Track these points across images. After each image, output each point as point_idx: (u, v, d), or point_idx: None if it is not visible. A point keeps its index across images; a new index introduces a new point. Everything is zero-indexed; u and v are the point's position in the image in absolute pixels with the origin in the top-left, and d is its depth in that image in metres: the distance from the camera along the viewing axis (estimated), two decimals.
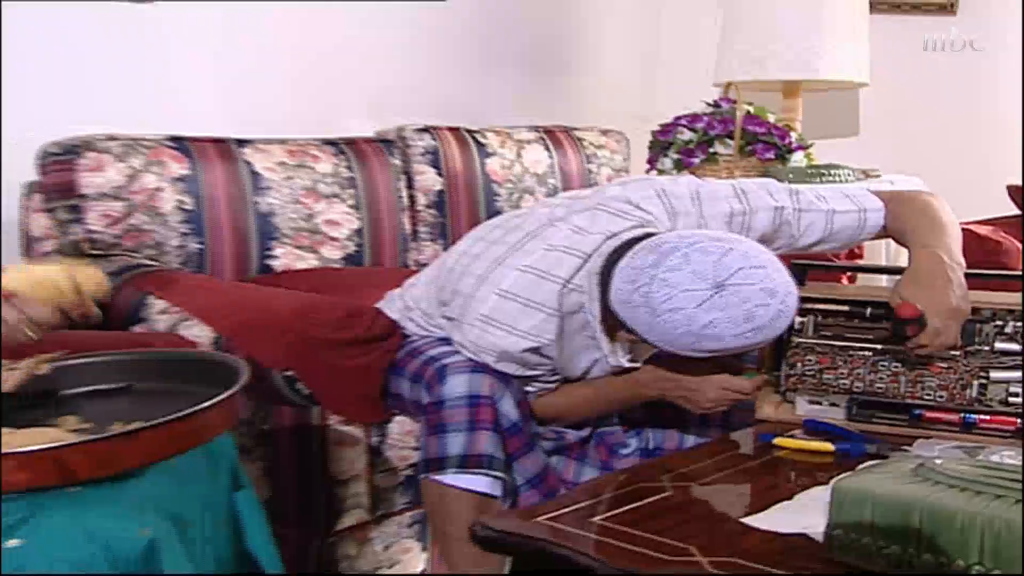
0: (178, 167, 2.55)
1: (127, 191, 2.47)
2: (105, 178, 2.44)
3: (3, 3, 2.41)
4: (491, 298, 1.83)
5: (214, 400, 1.27)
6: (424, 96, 3.50)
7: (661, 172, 3.66)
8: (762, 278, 1.58)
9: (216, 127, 2.82)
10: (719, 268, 1.57)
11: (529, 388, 1.92)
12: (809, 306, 1.79)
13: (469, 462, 1.79)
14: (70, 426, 1.35)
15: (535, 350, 1.84)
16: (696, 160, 3.57)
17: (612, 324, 1.79)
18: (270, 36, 3.19)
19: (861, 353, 1.77)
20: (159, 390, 1.51)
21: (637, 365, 1.87)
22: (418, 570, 2.27)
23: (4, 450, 1.16)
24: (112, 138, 2.49)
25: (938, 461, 1.24)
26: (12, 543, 1.10)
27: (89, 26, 2.78)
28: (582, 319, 1.85)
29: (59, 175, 2.45)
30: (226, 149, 2.67)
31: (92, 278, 1.41)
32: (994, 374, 1.73)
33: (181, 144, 2.60)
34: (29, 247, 2.55)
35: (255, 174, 2.68)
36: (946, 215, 1.91)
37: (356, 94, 3.36)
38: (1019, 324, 1.73)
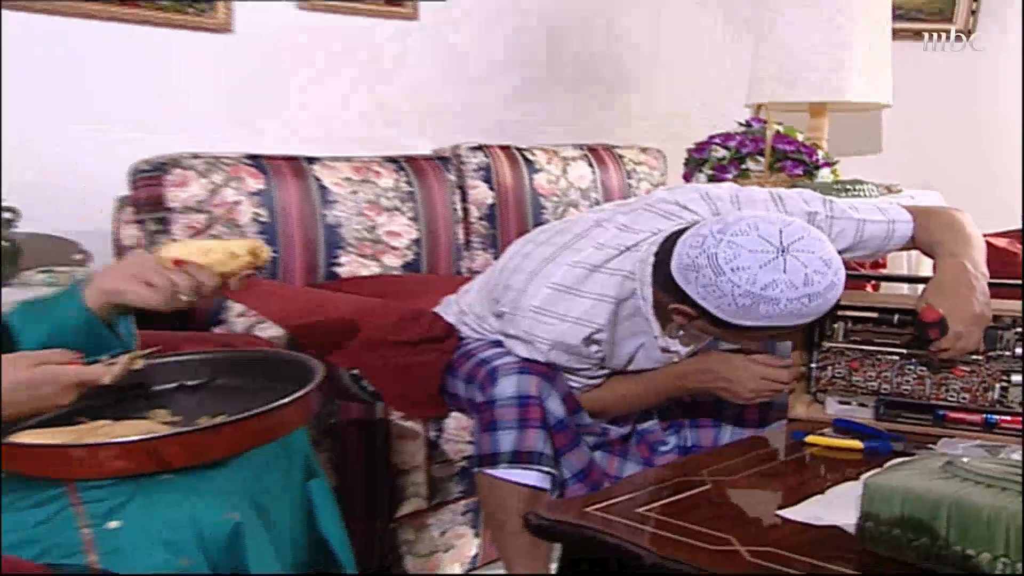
0: (255, 183, 2.58)
1: (209, 204, 2.49)
2: (189, 192, 2.47)
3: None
4: (543, 291, 1.84)
5: (292, 397, 1.28)
6: (469, 114, 3.53)
7: None
8: (821, 248, 1.60)
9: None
10: (784, 234, 1.59)
11: (574, 384, 1.92)
12: (840, 312, 1.78)
13: (520, 458, 1.80)
14: (161, 419, 1.37)
15: (588, 337, 1.84)
16: (729, 176, 3.57)
17: (663, 307, 1.78)
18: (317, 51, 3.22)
19: (888, 357, 1.76)
20: (240, 386, 1.52)
21: (680, 349, 1.88)
22: (471, 554, 2.28)
23: (105, 440, 1.18)
24: (196, 156, 2.52)
25: (965, 459, 1.23)
26: (112, 525, 1.13)
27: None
28: (632, 306, 1.84)
29: (149, 190, 2.48)
30: (298, 166, 2.70)
31: (264, 250, 1.43)
32: (1015, 377, 1.71)
33: (257, 162, 2.62)
34: (120, 253, 2.59)
35: (323, 189, 2.70)
36: (971, 228, 1.89)
37: (409, 113, 3.39)
38: None
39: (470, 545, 2.27)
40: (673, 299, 1.72)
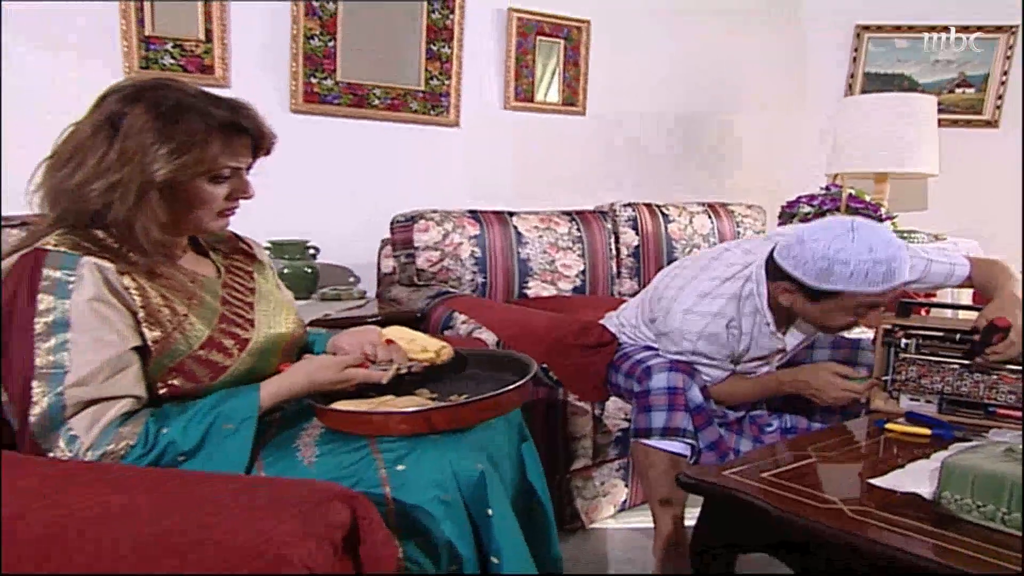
0: (473, 229, 2.64)
1: (442, 244, 2.57)
2: (429, 236, 2.56)
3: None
4: (691, 297, 1.84)
5: (516, 384, 1.29)
6: (621, 180, 3.55)
7: None
8: (882, 231, 1.60)
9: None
10: (855, 222, 1.60)
11: (707, 377, 1.89)
12: (912, 331, 1.72)
13: (669, 432, 1.79)
14: (425, 396, 1.40)
15: (727, 326, 1.82)
16: None
17: (773, 300, 1.78)
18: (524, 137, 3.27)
19: (950, 365, 1.67)
20: (476, 374, 1.53)
21: (788, 342, 1.87)
22: (621, 499, 2.26)
23: (394, 410, 1.23)
24: (434, 211, 2.61)
25: (1021, 447, 1.18)
26: (399, 468, 1.16)
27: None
28: (751, 304, 1.82)
29: (402, 234, 2.57)
30: (502, 217, 2.75)
31: (446, 351, 1.46)
32: None
33: (475, 215, 2.69)
34: (380, 280, 2.71)
35: (519, 234, 2.74)
36: (1013, 271, 1.82)
37: (574, 175, 3.42)
38: None
39: (621, 493, 2.26)
40: (777, 280, 1.73)
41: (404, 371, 1.40)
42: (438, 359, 1.45)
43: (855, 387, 1.75)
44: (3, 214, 1.51)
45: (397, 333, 1.45)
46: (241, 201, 1.30)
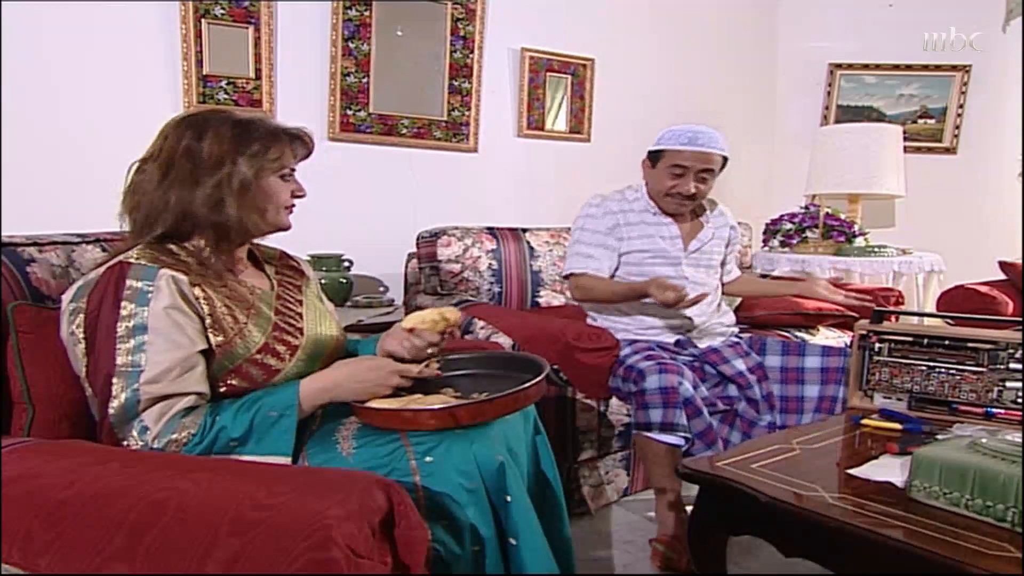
0: (490, 244, 2.64)
1: (462, 258, 2.58)
2: (451, 250, 2.56)
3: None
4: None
5: (532, 383, 1.27)
6: None
7: (771, 249, 3.56)
8: (719, 135, 1.98)
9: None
10: None
11: (580, 264, 2.07)
12: (885, 336, 1.71)
13: (665, 427, 1.79)
14: (450, 394, 1.38)
15: (600, 205, 2.10)
16: (794, 241, 3.47)
17: (651, 192, 2.06)
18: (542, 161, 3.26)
19: (919, 367, 1.67)
20: (494, 374, 1.51)
21: (666, 227, 2.10)
22: (623, 487, 2.25)
23: (422, 407, 1.22)
24: (455, 227, 2.61)
25: (983, 440, 1.18)
26: (428, 459, 1.16)
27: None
28: (639, 206, 2.10)
29: (427, 248, 2.58)
30: (516, 234, 2.75)
31: (454, 313, 1.44)
32: (1008, 384, 1.60)
33: (492, 231, 2.69)
34: (407, 290, 2.71)
35: (531, 248, 2.75)
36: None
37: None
38: None
39: (623, 480, 2.25)
40: (647, 175, 2.06)
41: (437, 367, 1.38)
42: (451, 321, 1.43)
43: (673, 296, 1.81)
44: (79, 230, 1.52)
45: (412, 320, 1.42)
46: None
